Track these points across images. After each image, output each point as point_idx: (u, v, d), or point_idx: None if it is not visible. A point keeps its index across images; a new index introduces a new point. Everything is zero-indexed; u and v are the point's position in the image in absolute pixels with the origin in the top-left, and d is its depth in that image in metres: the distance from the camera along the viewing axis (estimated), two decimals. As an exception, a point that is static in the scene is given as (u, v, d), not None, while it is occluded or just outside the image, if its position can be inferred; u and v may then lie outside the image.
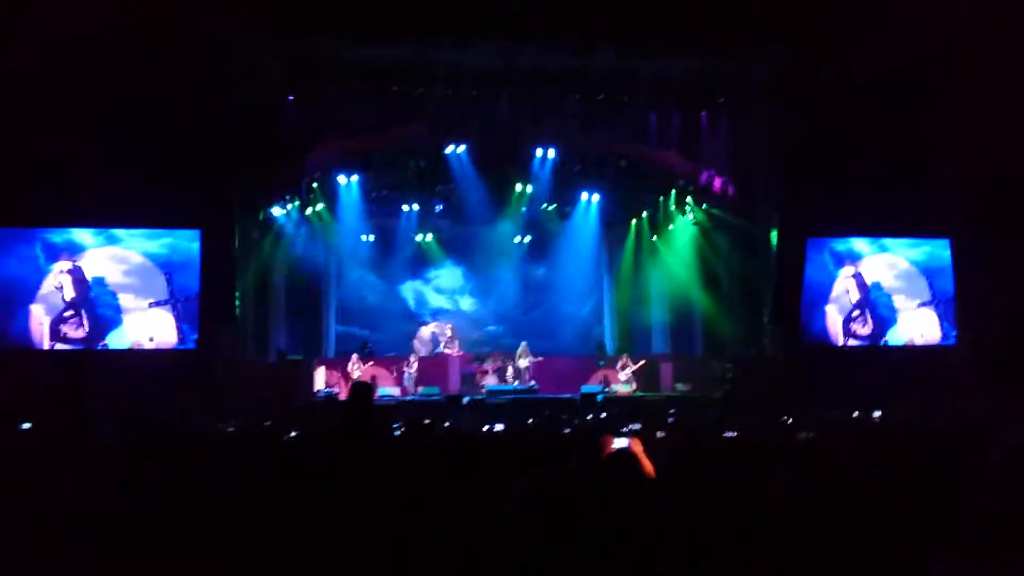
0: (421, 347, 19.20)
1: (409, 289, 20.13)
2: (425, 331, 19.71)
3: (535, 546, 2.63)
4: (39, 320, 13.83)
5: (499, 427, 8.91)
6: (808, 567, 2.78)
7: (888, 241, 16.55)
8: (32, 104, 12.52)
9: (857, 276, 16.28)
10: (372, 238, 19.19)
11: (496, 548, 2.70)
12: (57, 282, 13.95)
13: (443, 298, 20.29)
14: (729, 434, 7.05)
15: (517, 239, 19.69)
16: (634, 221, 19.42)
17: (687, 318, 18.77)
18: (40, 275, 13.92)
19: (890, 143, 14.63)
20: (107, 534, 3.32)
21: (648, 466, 4.15)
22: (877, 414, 13.16)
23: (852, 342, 16.09)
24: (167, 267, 14.35)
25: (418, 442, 6.13)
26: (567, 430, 8.10)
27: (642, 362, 17.55)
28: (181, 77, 12.98)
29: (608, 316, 20.53)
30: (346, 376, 16.39)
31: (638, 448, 4.32)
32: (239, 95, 13.85)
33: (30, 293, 13.85)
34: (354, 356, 16.75)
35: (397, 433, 7.02)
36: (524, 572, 2.59)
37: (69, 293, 13.97)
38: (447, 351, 18.06)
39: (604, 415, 12.52)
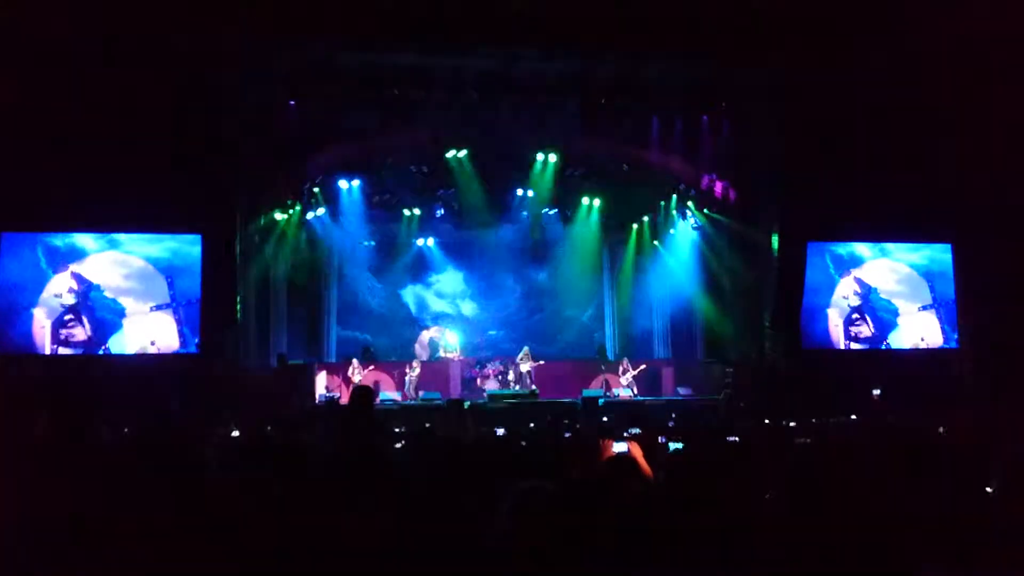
0: (422, 351, 19.21)
1: (410, 293, 20.14)
2: (425, 336, 19.72)
3: (533, 549, 2.63)
4: (41, 324, 13.84)
5: (500, 431, 8.92)
6: (807, 570, 2.78)
7: (889, 245, 16.55)
8: (33, 108, 12.55)
9: (858, 280, 16.28)
10: (374, 242, 19.21)
11: (494, 551, 2.70)
12: (59, 286, 13.97)
13: (444, 302, 20.29)
14: (729, 438, 7.06)
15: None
16: (635, 225, 19.43)
17: (688, 322, 18.77)
18: (42, 279, 13.93)
19: (891, 147, 14.64)
20: (107, 537, 3.33)
21: (647, 470, 4.16)
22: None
23: (854, 346, 16.09)
24: (168, 271, 14.37)
25: (418, 446, 6.14)
26: (568, 434, 8.11)
27: (643, 366, 17.54)
28: (182, 80, 13.01)
29: (609, 320, 20.52)
30: (347, 380, 16.39)
31: (637, 452, 4.34)
32: (241, 99, 13.88)
33: (32, 297, 13.86)
34: (355, 361, 16.74)
35: (398, 440, 7.04)
36: (523, 572, 2.60)
37: (71, 297, 13.99)
38: (447, 356, 18.07)
39: (605, 419, 12.53)
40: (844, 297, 16.18)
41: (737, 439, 7.01)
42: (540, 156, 17.00)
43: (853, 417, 10.05)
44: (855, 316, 16.18)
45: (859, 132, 14.55)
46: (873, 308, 16.26)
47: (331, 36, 13.38)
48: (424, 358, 18.47)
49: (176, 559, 3.17)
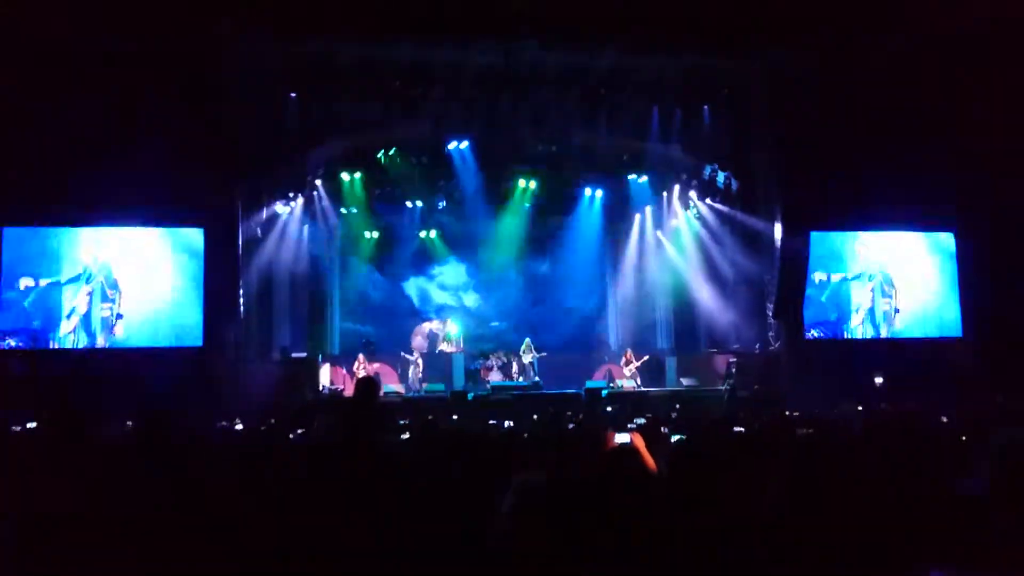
0: (422, 343, 19.23)
1: (413, 286, 20.13)
2: (426, 327, 19.73)
3: (535, 542, 2.62)
4: (42, 320, 13.86)
5: (508, 423, 8.89)
6: (808, 563, 2.77)
7: (892, 234, 16.52)
8: (37, 104, 12.57)
9: (861, 269, 16.26)
10: (376, 235, 19.18)
11: (497, 545, 2.69)
12: (61, 281, 13.98)
13: (447, 294, 20.28)
14: (735, 429, 7.04)
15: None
16: (637, 216, 19.38)
17: (691, 312, 18.73)
18: (44, 275, 13.93)
19: (895, 136, 14.59)
20: (109, 533, 3.33)
21: (650, 461, 4.14)
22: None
23: (857, 334, 16.07)
24: (171, 265, 14.36)
25: (422, 438, 6.13)
26: (571, 426, 8.11)
27: (646, 357, 17.54)
28: (184, 75, 13.01)
29: (612, 311, 20.50)
30: (352, 374, 16.39)
31: (640, 443, 4.32)
32: (242, 93, 13.85)
33: (33, 293, 13.87)
34: (360, 355, 16.73)
35: (402, 432, 7.04)
36: (524, 569, 2.59)
37: (72, 292, 14.00)
38: (447, 347, 18.06)
39: (608, 410, 12.53)
40: (847, 286, 16.15)
41: (739, 429, 7.00)
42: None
43: (860, 409, 10.02)
44: (858, 304, 16.16)
45: (860, 121, 14.49)
46: (875, 297, 16.23)
47: (332, 30, 13.33)
48: (424, 350, 18.48)
49: (176, 558, 3.17)
